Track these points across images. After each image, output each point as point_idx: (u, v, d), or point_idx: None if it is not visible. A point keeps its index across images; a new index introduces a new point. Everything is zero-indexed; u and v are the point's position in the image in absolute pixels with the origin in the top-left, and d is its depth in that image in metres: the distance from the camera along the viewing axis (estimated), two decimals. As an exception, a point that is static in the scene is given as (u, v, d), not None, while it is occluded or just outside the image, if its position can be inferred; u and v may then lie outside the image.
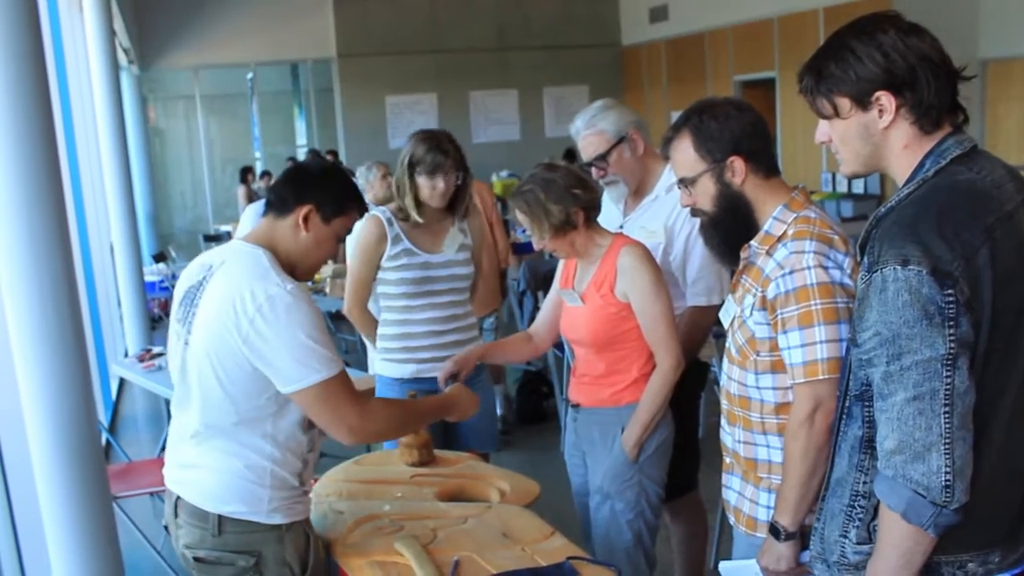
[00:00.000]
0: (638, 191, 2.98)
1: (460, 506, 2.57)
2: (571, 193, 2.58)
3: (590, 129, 2.91)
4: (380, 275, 3.21)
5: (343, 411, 2.06)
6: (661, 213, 2.89)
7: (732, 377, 2.12)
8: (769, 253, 2.00)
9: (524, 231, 9.92)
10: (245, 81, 13.77)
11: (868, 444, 1.54)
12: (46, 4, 5.31)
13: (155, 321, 8.81)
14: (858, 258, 1.59)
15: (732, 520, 2.21)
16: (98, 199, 7.16)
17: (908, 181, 1.55)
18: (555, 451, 2.94)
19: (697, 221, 2.77)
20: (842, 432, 1.62)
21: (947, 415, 1.41)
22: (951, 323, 1.41)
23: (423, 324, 3.22)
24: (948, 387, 1.41)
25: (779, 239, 2.00)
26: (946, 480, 1.41)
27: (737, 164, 2.03)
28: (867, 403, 1.52)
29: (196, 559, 2.19)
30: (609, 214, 3.10)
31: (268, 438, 2.13)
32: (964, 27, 9.21)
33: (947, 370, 1.41)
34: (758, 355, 2.02)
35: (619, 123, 2.89)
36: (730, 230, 2.09)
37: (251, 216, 9.10)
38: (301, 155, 14.15)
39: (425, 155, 3.12)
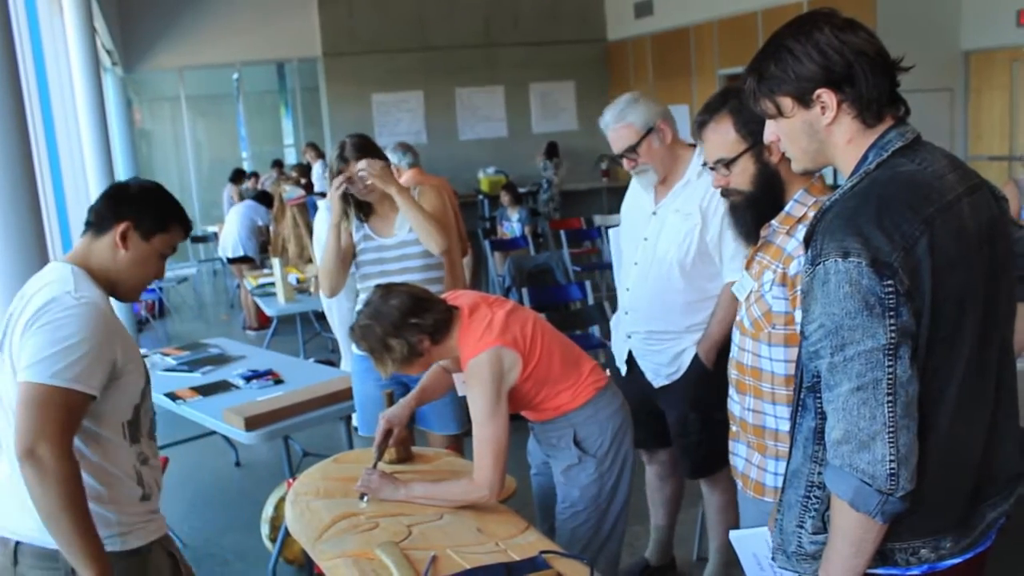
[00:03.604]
0: (667, 178, 3.08)
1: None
2: (409, 323, 2.50)
3: (619, 122, 3.03)
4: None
5: (40, 429, 1.83)
6: (695, 196, 3.00)
7: (745, 348, 2.23)
8: (789, 233, 2.12)
9: (510, 226, 9.77)
10: (231, 81, 13.74)
11: (822, 435, 1.55)
12: (24, 4, 5.29)
13: (141, 324, 8.81)
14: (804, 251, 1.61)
15: (739, 485, 2.33)
16: (82, 202, 7.13)
17: (852, 174, 1.57)
18: (530, 447, 2.97)
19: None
20: (798, 424, 1.64)
21: (890, 404, 1.43)
22: (891, 313, 1.43)
23: None
24: (890, 376, 1.43)
25: (799, 220, 2.12)
26: (891, 468, 1.43)
27: (775, 144, 2.10)
28: (819, 395, 1.54)
29: None
30: (639, 202, 3.21)
31: (95, 448, 2.00)
32: (947, 19, 9.25)
33: (889, 360, 1.43)
34: (773, 328, 2.14)
35: (646, 115, 3.02)
36: (764, 208, 2.19)
37: (234, 217, 9.13)
38: (289, 155, 14.15)
39: (332, 165, 3.38)
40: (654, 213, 3.10)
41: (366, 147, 3.38)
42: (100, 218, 2.11)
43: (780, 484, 2.12)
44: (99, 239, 2.10)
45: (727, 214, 2.37)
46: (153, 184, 2.23)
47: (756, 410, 2.22)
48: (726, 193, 2.28)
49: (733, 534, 2.15)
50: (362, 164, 3.27)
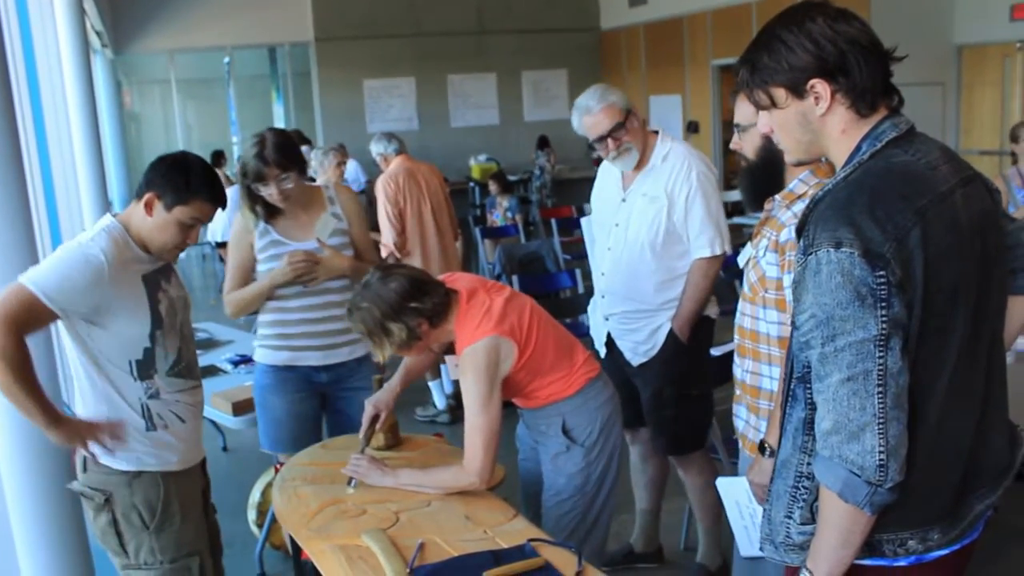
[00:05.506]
0: (635, 165, 3.22)
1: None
2: (409, 307, 2.46)
3: (603, 103, 3.13)
4: (257, 267, 3.17)
5: (1, 312, 2.22)
6: (660, 179, 3.16)
7: (745, 312, 2.35)
8: (788, 207, 2.25)
9: (499, 215, 9.72)
10: (222, 65, 13.65)
11: (811, 426, 1.55)
12: (12, -15, 5.23)
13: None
14: (796, 242, 1.61)
15: (740, 444, 2.45)
16: (70, 184, 7.08)
17: (845, 164, 1.57)
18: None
19: (694, 182, 3.13)
20: (787, 414, 1.64)
21: (880, 395, 1.43)
22: (883, 304, 1.42)
23: (296, 312, 3.17)
24: (881, 367, 1.43)
25: (799, 197, 2.24)
26: (880, 459, 1.43)
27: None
28: (809, 385, 1.54)
29: (71, 489, 2.49)
30: (608, 192, 3.34)
31: (101, 378, 2.37)
32: (940, 13, 9.26)
33: (880, 351, 1.43)
34: (766, 292, 2.26)
35: (623, 98, 3.18)
36: (758, 181, 2.36)
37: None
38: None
39: (248, 163, 3.04)
40: (623, 200, 3.23)
41: (286, 148, 3.03)
42: (140, 186, 2.41)
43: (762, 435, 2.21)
44: (138, 204, 2.40)
45: (739, 176, 2.55)
46: (190, 159, 2.45)
47: (754, 372, 2.34)
48: (738, 156, 2.46)
49: (720, 480, 2.29)
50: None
